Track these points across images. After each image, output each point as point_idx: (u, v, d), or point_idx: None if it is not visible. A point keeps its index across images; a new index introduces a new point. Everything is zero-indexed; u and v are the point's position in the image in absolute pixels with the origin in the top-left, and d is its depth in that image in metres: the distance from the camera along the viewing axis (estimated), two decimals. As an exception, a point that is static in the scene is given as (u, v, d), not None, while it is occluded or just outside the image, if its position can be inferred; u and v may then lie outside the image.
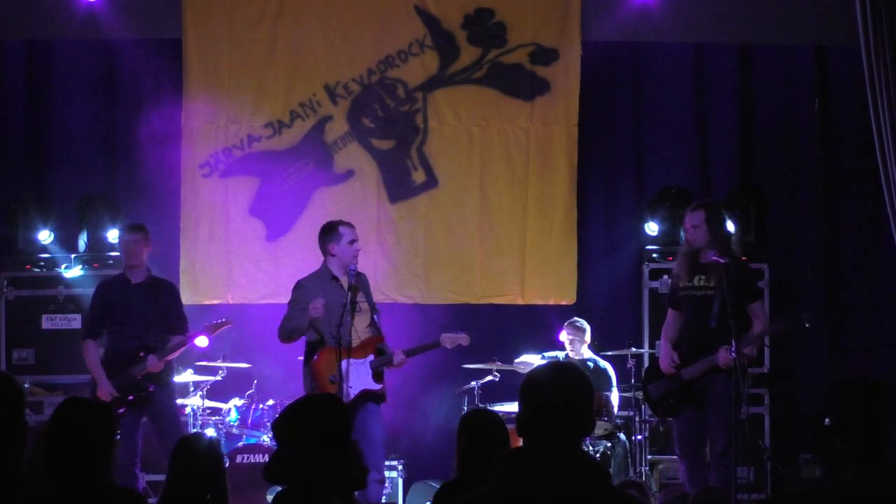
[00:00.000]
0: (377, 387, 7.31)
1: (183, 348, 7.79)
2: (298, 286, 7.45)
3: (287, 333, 7.39)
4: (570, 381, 3.22)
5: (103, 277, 8.65)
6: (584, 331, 8.89)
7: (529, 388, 3.24)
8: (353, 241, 7.35)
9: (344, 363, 7.13)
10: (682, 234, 7.43)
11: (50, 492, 3.61)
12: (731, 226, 7.62)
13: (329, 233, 7.43)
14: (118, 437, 3.93)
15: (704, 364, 7.13)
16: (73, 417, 3.75)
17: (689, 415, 7.27)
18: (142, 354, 7.58)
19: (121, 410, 7.47)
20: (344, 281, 7.31)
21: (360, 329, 7.27)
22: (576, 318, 8.99)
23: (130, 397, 7.54)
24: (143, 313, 7.68)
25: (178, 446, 4.53)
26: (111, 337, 7.73)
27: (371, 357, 7.30)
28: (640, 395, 8.37)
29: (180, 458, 4.45)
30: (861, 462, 3.56)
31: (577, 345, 8.88)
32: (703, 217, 7.25)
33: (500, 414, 8.55)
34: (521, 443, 3.27)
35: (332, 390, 7.08)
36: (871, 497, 3.49)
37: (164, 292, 7.83)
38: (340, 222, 7.46)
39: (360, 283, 7.36)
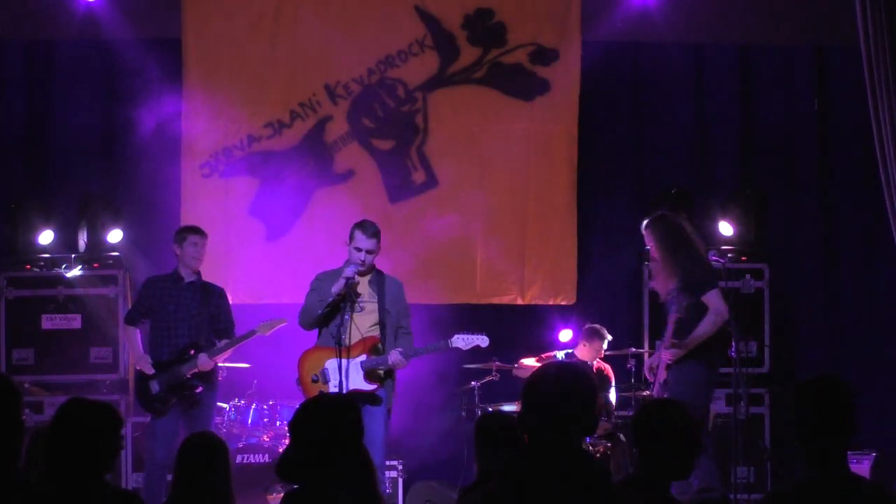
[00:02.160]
0: (369, 387, 7.20)
1: (232, 349, 7.80)
2: (317, 278, 7.43)
3: (309, 321, 7.34)
4: (573, 381, 3.23)
5: (110, 280, 8.78)
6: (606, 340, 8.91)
7: (533, 387, 3.25)
8: (359, 249, 7.24)
9: (335, 361, 7.12)
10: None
11: (49, 491, 3.61)
12: (687, 227, 7.58)
13: (351, 230, 7.38)
14: (126, 435, 3.92)
15: (654, 362, 7.28)
16: (76, 417, 3.75)
17: None
18: (192, 352, 7.61)
19: (167, 407, 7.55)
20: (357, 281, 7.32)
21: (362, 329, 7.23)
22: (600, 327, 8.95)
23: (194, 391, 7.57)
24: (193, 313, 7.70)
25: (184, 446, 4.52)
26: (159, 335, 7.73)
27: (364, 357, 7.26)
28: (639, 394, 8.42)
29: (187, 457, 4.44)
30: (819, 463, 3.55)
31: (592, 353, 8.86)
32: (650, 235, 7.36)
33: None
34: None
35: (314, 389, 7.08)
36: (826, 499, 3.49)
37: (214, 294, 7.86)
38: (360, 225, 7.32)
39: (377, 283, 7.31)
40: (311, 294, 7.35)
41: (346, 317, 7.11)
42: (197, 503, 4.33)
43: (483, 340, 7.41)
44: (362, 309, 7.26)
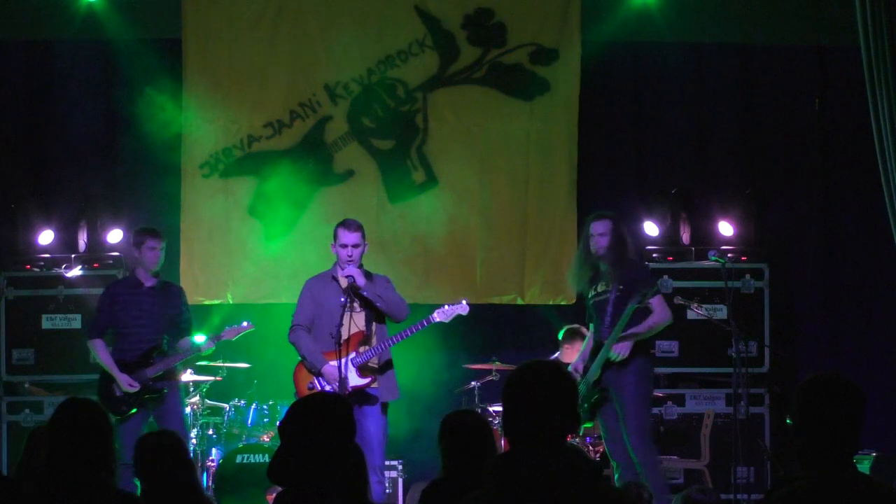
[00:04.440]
0: (363, 381, 7.26)
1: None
2: (307, 287, 7.53)
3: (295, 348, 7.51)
4: (553, 379, 3.22)
5: (110, 280, 8.79)
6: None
7: (510, 388, 3.24)
8: (344, 245, 7.32)
9: (327, 367, 7.20)
10: (594, 241, 7.45)
11: (49, 491, 3.61)
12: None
13: (334, 231, 7.44)
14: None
15: (599, 360, 7.28)
16: (73, 417, 3.75)
17: (605, 414, 7.37)
18: (155, 356, 7.64)
19: (132, 410, 7.56)
20: (342, 280, 7.33)
21: (352, 329, 7.28)
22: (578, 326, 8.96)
23: (161, 392, 7.62)
24: (156, 317, 7.73)
25: (137, 448, 4.58)
26: (123, 339, 7.75)
27: (353, 354, 7.28)
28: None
29: (145, 458, 4.48)
30: (820, 462, 3.52)
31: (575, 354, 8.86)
32: (611, 226, 7.40)
33: (501, 413, 8.61)
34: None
35: None
36: (829, 498, 3.46)
37: (174, 296, 7.89)
38: (341, 222, 7.42)
39: (352, 288, 7.32)
40: (302, 304, 7.45)
41: (345, 319, 7.16)
42: (166, 497, 4.34)
43: (463, 308, 7.48)
44: (356, 310, 7.31)
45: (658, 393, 8.93)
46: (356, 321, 7.27)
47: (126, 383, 7.57)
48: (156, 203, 9.61)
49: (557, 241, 9.64)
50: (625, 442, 7.25)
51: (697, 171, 9.96)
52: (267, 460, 7.97)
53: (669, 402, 9.16)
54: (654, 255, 9.42)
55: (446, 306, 7.49)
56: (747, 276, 9.20)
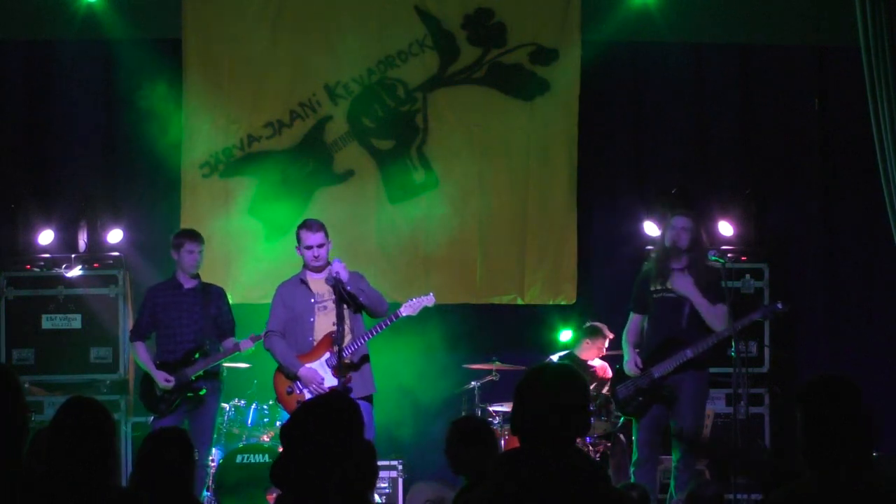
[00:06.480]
0: (338, 381, 7.27)
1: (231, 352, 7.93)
2: (278, 293, 7.62)
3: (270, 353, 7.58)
4: (566, 382, 3.22)
5: (110, 280, 8.98)
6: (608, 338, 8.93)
7: (525, 388, 3.24)
8: (309, 247, 7.38)
9: (304, 369, 7.30)
10: (675, 233, 7.52)
11: (51, 490, 3.60)
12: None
13: (296, 234, 7.51)
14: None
15: (676, 360, 7.31)
16: (76, 416, 3.74)
17: (657, 412, 7.42)
18: (196, 356, 7.71)
19: (173, 407, 7.67)
20: (313, 282, 7.40)
21: (325, 328, 7.31)
22: (601, 325, 8.97)
23: (198, 392, 7.72)
24: (196, 317, 7.81)
25: (148, 436, 4.53)
26: (165, 341, 7.86)
27: (328, 355, 7.30)
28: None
29: (147, 445, 4.42)
30: (820, 462, 3.50)
31: (595, 352, 8.89)
32: (692, 224, 7.53)
33: (501, 413, 8.62)
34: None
35: (291, 401, 7.30)
36: (830, 499, 3.45)
37: (214, 296, 7.96)
38: (303, 224, 7.50)
39: (336, 283, 7.31)
40: (274, 310, 7.54)
41: (311, 318, 7.28)
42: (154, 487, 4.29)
43: (430, 300, 7.51)
44: (326, 308, 7.34)
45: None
46: (324, 322, 7.33)
47: (162, 379, 7.68)
48: (156, 203, 9.63)
49: (557, 241, 9.64)
50: (660, 438, 7.40)
51: (697, 171, 9.96)
52: (267, 460, 7.98)
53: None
54: (654, 254, 9.40)
55: (413, 299, 7.50)
56: (747, 276, 9.20)
